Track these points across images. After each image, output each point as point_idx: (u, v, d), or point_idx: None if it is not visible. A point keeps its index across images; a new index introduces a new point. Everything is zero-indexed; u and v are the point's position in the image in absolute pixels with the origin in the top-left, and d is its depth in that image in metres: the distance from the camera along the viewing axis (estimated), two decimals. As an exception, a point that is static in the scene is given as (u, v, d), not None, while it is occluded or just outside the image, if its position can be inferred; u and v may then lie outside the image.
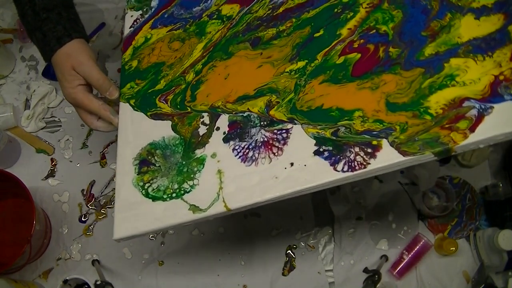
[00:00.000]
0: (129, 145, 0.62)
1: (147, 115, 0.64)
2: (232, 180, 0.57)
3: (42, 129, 1.00)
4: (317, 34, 0.63)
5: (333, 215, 0.93)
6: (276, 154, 0.57)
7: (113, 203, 0.91)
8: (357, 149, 0.54)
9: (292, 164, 0.56)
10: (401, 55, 0.59)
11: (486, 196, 0.96)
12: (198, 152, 0.60)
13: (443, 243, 0.88)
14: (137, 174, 0.60)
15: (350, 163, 0.54)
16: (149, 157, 0.61)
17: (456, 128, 0.53)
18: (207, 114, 0.62)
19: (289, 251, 0.91)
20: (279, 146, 0.58)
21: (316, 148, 0.56)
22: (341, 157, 0.55)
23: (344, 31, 0.62)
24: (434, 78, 0.57)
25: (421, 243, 0.89)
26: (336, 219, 0.93)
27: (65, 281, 0.79)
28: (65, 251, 0.88)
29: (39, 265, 0.87)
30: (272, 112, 0.60)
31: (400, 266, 0.89)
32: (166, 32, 0.69)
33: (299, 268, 0.90)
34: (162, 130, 0.62)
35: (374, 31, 0.61)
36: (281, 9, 0.66)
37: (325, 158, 0.55)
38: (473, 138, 0.52)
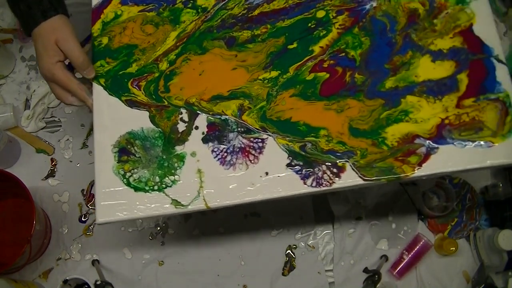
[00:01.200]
0: (106, 131, 0.63)
1: (121, 100, 0.65)
2: (212, 181, 0.60)
3: (42, 129, 1.00)
4: (291, 46, 0.66)
5: (333, 215, 0.93)
6: (252, 161, 0.61)
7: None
8: (324, 167, 0.60)
9: (267, 173, 0.60)
10: (365, 83, 0.63)
11: (486, 196, 0.96)
12: (178, 149, 0.62)
13: (443, 243, 0.88)
14: (117, 162, 0.62)
15: (318, 180, 0.60)
16: (129, 147, 0.62)
17: (407, 162, 0.59)
18: (185, 111, 0.64)
19: (289, 251, 0.91)
20: (255, 154, 0.61)
21: (288, 161, 0.61)
22: (311, 173, 0.60)
23: (317, 48, 0.65)
24: (391, 111, 0.62)
25: (421, 243, 0.89)
26: (336, 219, 0.93)
27: (65, 281, 0.79)
28: (65, 251, 0.88)
29: (39, 265, 0.87)
30: (244, 117, 0.63)
31: (400, 266, 0.89)
32: (138, 12, 0.69)
33: (299, 268, 0.90)
34: (141, 120, 0.63)
35: (344, 54, 0.65)
36: (256, 12, 0.68)
37: (297, 172, 0.60)
38: (419, 172, 0.59)
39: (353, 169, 0.60)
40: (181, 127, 0.63)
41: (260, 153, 0.62)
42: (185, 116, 0.64)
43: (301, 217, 0.93)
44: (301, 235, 0.92)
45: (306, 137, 0.61)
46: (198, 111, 0.64)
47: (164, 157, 0.62)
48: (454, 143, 0.60)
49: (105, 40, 0.68)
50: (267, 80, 0.64)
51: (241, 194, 0.60)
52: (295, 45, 0.66)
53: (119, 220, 0.59)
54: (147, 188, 0.60)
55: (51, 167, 0.95)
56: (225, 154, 0.62)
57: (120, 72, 0.66)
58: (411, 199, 0.94)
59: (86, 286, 0.80)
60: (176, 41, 0.67)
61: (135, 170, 0.61)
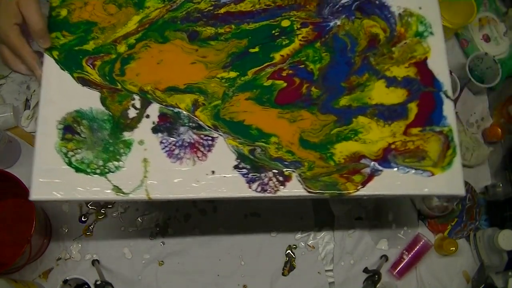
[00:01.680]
0: (53, 105, 0.61)
1: (73, 77, 0.63)
2: (156, 172, 0.59)
3: (42, 129, 0.99)
4: (252, 50, 0.66)
5: (333, 215, 0.93)
6: (200, 158, 0.61)
7: (113, 203, 0.91)
8: (271, 174, 0.60)
9: (213, 172, 0.60)
10: (320, 98, 0.65)
11: (486, 196, 0.96)
12: (126, 135, 0.61)
13: (443, 243, 0.88)
14: (61, 140, 0.60)
15: (263, 186, 0.60)
16: (75, 125, 0.61)
17: (351, 180, 0.61)
18: (138, 98, 0.63)
19: (289, 251, 0.91)
20: (204, 152, 0.61)
21: (236, 163, 0.61)
22: (257, 178, 0.60)
23: (277, 56, 0.66)
24: (342, 128, 0.63)
25: (421, 243, 0.89)
26: (336, 219, 0.93)
27: (65, 281, 0.79)
28: (65, 251, 0.88)
29: (39, 265, 0.87)
30: (197, 113, 0.63)
31: (400, 266, 0.89)
32: None
33: (299, 268, 0.90)
34: (90, 100, 0.62)
35: (303, 66, 0.66)
36: (222, 10, 0.68)
37: (243, 175, 0.60)
38: (361, 191, 0.61)
39: (298, 180, 0.60)
40: (132, 113, 0.62)
41: (209, 151, 0.61)
42: (137, 103, 0.62)
43: (301, 217, 0.93)
44: (301, 235, 0.92)
45: (256, 141, 0.62)
46: (151, 100, 0.63)
47: (111, 141, 0.60)
48: (398, 168, 0.62)
49: (64, 12, 0.66)
50: (225, 80, 0.64)
51: (184, 190, 0.59)
52: (257, 49, 0.66)
53: (54, 200, 0.58)
54: (88, 170, 0.59)
55: (51, 167, 0.95)
56: (174, 147, 0.61)
57: (76, 48, 0.64)
58: (411, 199, 0.94)
59: (86, 286, 0.80)
60: (138, 26, 0.66)
61: (79, 150, 0.59)
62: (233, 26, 0.67)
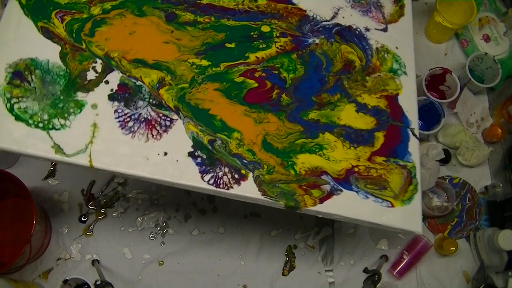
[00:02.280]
0: (5, 47, 0.60)
1: (36, 25, 0.62)
2: (104, 139, 0.58)
3: (42, 129, 0.99)
4: (228, 45, 0.67)
5: (333, 215, 0.93)
6: (154, 137, 0.59)
7: (113, 203, 0.91)
8: (226, 169, 0.59)
9: (165, 153, 0.59)
10: (290, 106, 0.65)
11: (486, 196, 0.96)
12: (80, 95, 0.60)
13: (443, 243, 0.88)
14: (7, 84, 0.58)
15: (216, 179, 0.59)
16: (26, 73, 0.59)
17: (310, 193, 0.61)
18: (101, 62, 0.62)
19: (289, 251, 0.91)
20: (160, 131, 0.60)
21: (192, 150, 0.59)
22: (211, 170, 0.59)
23: (252, 57, 0.67)
24: (307, 140, 0.64)
25: (421, 243, 0.89)
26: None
27: (65, 281, 0.79)
28: (65, 251, 0.88)
29: (39, 265, 0.87)
30: (161, 91, 0.62)
31: (400, 266, 0.89)
32: None
33: (299, 268, 0.90)
34: (49, 53, 0.61)
35: (276, 72, 0.67)
36: (205, 1, 0.68)
37: (197, 164, 0.59)
38: (319, 208, 0.60)
39: (255, 182, 0.59)
40: (91, 76, 0.61)
41: (165, 131, 0.60)
42: (99, 67, 0.62)
43: (301, 217, 0.93)
44: (301, 235, 0.92)
45: (218, 133, 0.61)
46: (114, 67, 0.62)
47: (62, 97, 0.59)
48: (358, 192, 0.62)
49: None
50: (195, 66, 0.64)
51: (131, 164, 0.57)
52: (233, 45, 0.67)
53: None
54: (30, 121, 0.57)
55: (51, 167, 0.95)
56: (128, 119, 0.60)
57: None
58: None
59: (86, 286, 0.80)
60: None
61: (24, 99, 0.58)
62: (212, 18, 0.68)
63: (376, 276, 0.83)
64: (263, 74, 0.66)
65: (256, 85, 0.65)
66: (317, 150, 0.63)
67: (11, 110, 0.56)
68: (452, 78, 0.98)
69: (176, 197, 0.92)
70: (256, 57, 0.67)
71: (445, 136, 0.99)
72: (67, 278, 0.79)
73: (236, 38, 0.67)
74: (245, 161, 0.60)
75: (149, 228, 0.90)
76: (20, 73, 0.59)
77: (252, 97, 0.64)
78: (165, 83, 0.62)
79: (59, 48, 0.61)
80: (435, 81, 1.00)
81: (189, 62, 0.64)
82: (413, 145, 0.67)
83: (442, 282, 0.90)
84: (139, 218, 0.90)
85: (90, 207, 0.91)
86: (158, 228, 0.90)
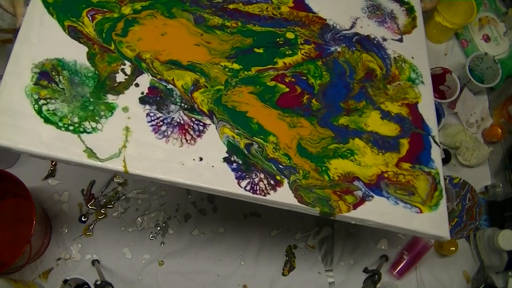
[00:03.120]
0: (30, 46, 0.57)
1: (62, 25, 0.59)
2: (137, 143, 0.55)
3: (42, 129, 0.99)
4: (257, 50, 0.67)
5: (333, 215, 0.93)
6: (188, 141, 0.58)
7: (113, 203, 0.91)
8: (262, 175, 0.58)
9: (201, 159, 0.57)
10: (320, 111, 0.66)
11: (486, 196, 0.96)
12: (110, 98, 0.57)
13: (443, 243, 0.88)
14: (34, 84, 0.55)
15: (253, 185, 0.58)
16: (53, 73, 0.56)
17: (344, 199, 0.61)
18: (130, 65, 0.60)
19: (289, 251, 0.91)
20: (194, 136, 0.58)
21: (227, 155, 0.58)
22: (247, 176, 0.58)
23: (280, 63, 0.67)
24: (340, 145, 0.64)
25: (421, 243, 0.89)
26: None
27: (65, 281, 0.79)
28: (65, 251, 0.88)
29: (39, 265, 0.87)
30: (196, 95, 0.61)
31: (400, 266, 0.89)
32: None
33: (299, 268, 0.90)
34: (76, 53, 0.58)
35: (305, 78, 0.67)
36: (231, 6, 0.69)
37: (233, 170, 0.58)
38: (352, 214, 0.60)
39: (290, 187, 0.59)
40: (120, 78, 0.59)
41: (198, 136, 0.58)
42: (128, 70, 0.60)
43: (301, 217, 0.93)
44: (301, 235, 0.92)
45: (255, 136, 0.61)
46: (144, 70, 0.60)
47: (92, 100, 0.56)
48: (388, 198, 0.63)
49: None
50: (228, 69, 0.64)
51: (166, 170, 0.55)
52: (261, 50, 0.67)
53: (11, 148, 0.51)
54: (60, 124, 0.53)
55: (51, 167, 0.95)
56: (161, 123, 0.58)
57: None
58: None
59: (86, 286, 0.80)
60: None
61: (53, 100, 0.54)
62: (239, 23, 0.68)
63: (376, 276, 0.83)
64: (293, 79, 0.66)
65: (287, 90, 0.66)
66: (348, 155, 0.64)
67: (39, 112, 0.53)
68: (452, 78, 0.98)
69: (176, 197, 0.92)
70: (284, 62, 0.67)
71: (445, 136, 0.99)
72: (67, 278, 0.79)
73: (263, 44, 0.67)
74: (280, 166, 0.59)
75: (149, 228, 0.90)
76: (47, 73, 0.56)
77: (284, 102, 0.65)
78: (200, 85, 0.61)
79: (86, 49, 0.59)
80: (435, 81, 0.99)
81: (221, 65, 0.64)
82: (435, 152, 0.69)
83: (442, 282, 0.90)
84: (139, 218, 0.90)
85: (90, 207, 0.91)
86: (158, 228, 0.90)
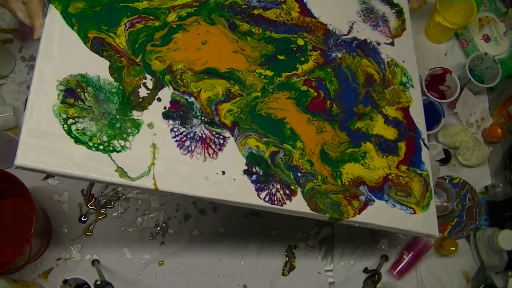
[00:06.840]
0: (52, 62, 0.54)
1: (83, 37, 0.55)
2: (164, 160, 0.55)
3: (42, 129, 0.99)
4: (280, 57, 0.68)
5: (333, 215, 0.93)
6: (211, 155, 0.58)
7: (113, 203, 0.91)
8: (278, 186, 0.59)
9: (224, 172, 0.57)
10: (339, 116, 0.68)
11: (486, 196, 0.96)
12: (135, 114, 0.55)
13: (443, 243, 0.88)
14: (61, 103, 0.52)
15: (271, 196, 0.59)
16: (78, 90, 0.53)
17: (352, 204, 0.63)
18: (151, 78, 0.57)
19: (289, 251, 0.91)
20: (215, 150, 0.58)
21: (246, 167, 0.58)
22: (265, 187, 0.58)
23: (300, 69, 0.68)
24: (356, 149, 0.66)
25: (421, 243, 0.89)
26: (336, 219, 0.93)
27: (65, 281, 0.79)
28: (65, 251, 0.88)
29: (39, 265, 0.87)
30: (223, 106, 0.60)
31: (400, 266, 0.89)
32: None
33: (299, 268, 0.90)
34: (98, 68, 0.55)
35: (324, 83, 0.69)
36: (255, 12, 0.69)
37: (252, 181, 0.58)
38: (358, 218, 0.62)
39: (303, 197, 0.60)
40: (143, 92, 0.57)
41: (220, 149, 0.58)
42: (149, 83, 0.57)
43: (301, 217, 0.93)
44: (301, 235, 0.92)
45: (285, 143, 0.62)
46: (165, 84, 0.58)
47: (118, 117, 0.54)
48: (387, 201, 0.66)
49: None
50: (263, 76, 0.65)
51: (193, 185, 0.55)
52: (283, 57, 0.68)
53: (43, 170, 0.49)
54: (90, 144, 0.51)
55: (51, 167, 0.95)
56: (185, 138, 0.57)
57: (121, 4, 0.59)
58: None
59: (86, 286, 0.80)
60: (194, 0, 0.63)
61: (81, 119, 0.52)
62: (260, 30, 0.68)
63: (376, 276, 0.83)
64: (316, 84, 0.68)
65: (315, 94, 0.67)
66: (360, 159, 0.66)
67: (69, 132, 0.51)
68: (452, 78, 0.98)
69: (176, 197, 0.92)
70: (302, 68, 0.68)
71: (445, 136, 0.98)
72: (67, 278, 0.79)
73: (282, 51, 0.68)
74: (299, 174, 0.61)
75: (149, 228, 0.90)
76: (72, 91, 0.53)
77: (313, 106, 0.66)
78: (232, 94, 0.60)
79: (107, 63, 0.56)
80: (435, 81, 1.00)
81: (257, 73, 0.64)
82: (425, 154, 0.71)
83: (442, 282, 0.90)
84: (139, 218, 0.90)
85: (90, 207, 0.91)
86: (158, 228, 0.90)
